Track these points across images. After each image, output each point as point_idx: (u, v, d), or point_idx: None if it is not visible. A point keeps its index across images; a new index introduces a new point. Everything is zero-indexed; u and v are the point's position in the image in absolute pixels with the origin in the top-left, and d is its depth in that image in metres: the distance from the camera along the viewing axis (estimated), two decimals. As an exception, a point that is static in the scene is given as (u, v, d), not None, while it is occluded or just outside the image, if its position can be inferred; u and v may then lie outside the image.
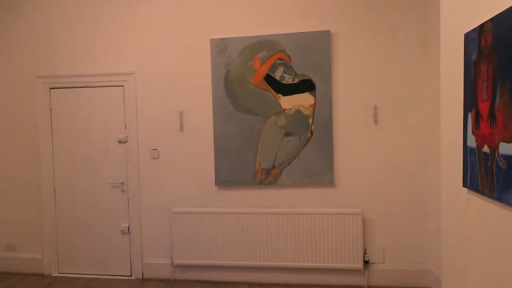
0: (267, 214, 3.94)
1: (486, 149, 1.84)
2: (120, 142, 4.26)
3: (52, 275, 4.41)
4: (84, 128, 4.32)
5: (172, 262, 4.14)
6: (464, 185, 2.11)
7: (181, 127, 4.14)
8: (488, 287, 1.87)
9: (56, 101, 4.37)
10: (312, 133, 3.90)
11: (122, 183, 4.28)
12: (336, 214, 3.84)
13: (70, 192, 4.38)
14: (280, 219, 3.92)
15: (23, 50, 4.39)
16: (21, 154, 4.46)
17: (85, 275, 4.35)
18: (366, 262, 3.87)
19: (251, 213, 3.96)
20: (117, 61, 4.23)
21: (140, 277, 4.26)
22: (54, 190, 4.41)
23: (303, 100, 3.90)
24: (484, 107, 1.86)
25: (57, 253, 4.43)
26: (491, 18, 1.78)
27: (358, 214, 3.81)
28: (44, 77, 4.36)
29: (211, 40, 4.01)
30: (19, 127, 4.45)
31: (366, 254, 3.88)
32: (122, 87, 4.24)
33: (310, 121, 3.89)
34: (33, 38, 4.36)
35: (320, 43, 3.84)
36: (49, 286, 4.11)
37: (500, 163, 1.70)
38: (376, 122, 3.86)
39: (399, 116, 3.83)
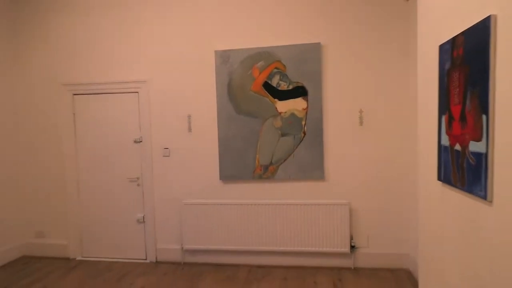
0: (266, 205, 3.92)
1: (458, 147, 1.85)
2: (135, 142, 4.23)
3: (77, 259, 4.39)
4: (103, 130, 4.29)
5: (182, 247, 4.13)
6: (439, 178, 2.12)
7: (189, 129, 4.11)
8: (459, 267, 1.87)
9: (79, 106, 4.34)
10: (305, 134, 3.87)
11: (137, 178, 4.25)
12: (326, 205, 3.83)
13: (92, 186, 4.36)
14: (277, 209, 3.90)
15: (51, 60, 4.36)
16: (48, 153, 4.43)
17: (106, 259, 4.34)
18: (352, 247, 3.86)
19: (252, 204, 3.95)
20: (132, 71, 4.19)
21: (154, 260, 4.24)
22: (78, 184, 4.38)
23: (297, 104, 3.87)
24: (456, 111, 1.86)
25: (80, 239, 4.42)
26: (462, 32, 1.77)
27: (345, 205, 3.80)
28: (68, 85, 4.33)
29: (216, 51, 3.98)
30: (46, 129, 4.42)
31: (352, 239, 3.88)
32: (137, 93, 4.20)
33: (303, 123, 3.87)
34: (59, 50, 4.33)
35: (311, 54, 3.81)
36: (73, 269, 4.09)
37: (470, 160, 1.70)
38: (361, 123, 3.83)
39: (382, 118, 3.81)
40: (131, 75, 4.20)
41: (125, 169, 4.27)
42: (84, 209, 4.39)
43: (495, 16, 1.50)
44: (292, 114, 3.88)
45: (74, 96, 4.33)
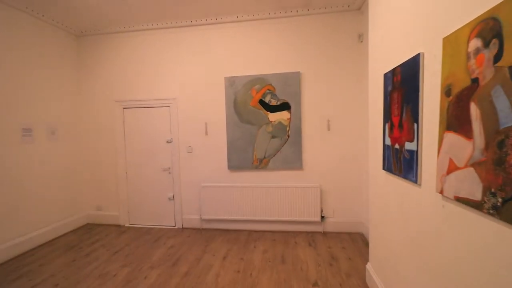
0: (260, 187, 3.92)
1: (397, 146, 1.86)
2: (167, 142, 4.22)
3: (125, 225, 4.38)
4: (145, 133, 4.28)
5: (201, 217, 4.12)
6: (383, 168, 2.14)
7: (206, 132, 4.10)
8: (397, 228, 1.89)
9: (127, 116, 4.32)
10: (289, 136, 3.87)
11: (169, 168, 4.24)
12: (303, 187, 3.83)
13: (136, 173, 4.34)
14: (268, 190, 3.90)
15: (106, 84, 4.34)
16: (105, 150, 4.41)
17: (146, 226, 4.33)
18: (322, 217, 3.87)
19: (250, 187, 3.94)
20: (165, 91, 4.18)
21: (181, 227, 4.23)
22: (126, 173, 4.36)
23: (283, 115, 3.87)
24: (395, 120, 1.87)
25: (128, 211, 4.40)
26: (400, 64, 1.79)
27: (317, 187, 3.81)
28: (119, 101, 4.31)
29: (225, 77, 3.97)
30: (104, 134, 4.40)
31: (322, 212, 3.88)
32: (168, 107, 4.19)
33: (288, 128, 3.87)
34: (113, 76, 4.32)
35: (293, 79, 3.81)
36: (123, 232, 4.07)
37: (405, 155, 1.72)
38: (328, 129, 3.83)
39: (343, 125, 3.81)
40: (164, 94, 4.18)
41: (160, 161, 4.26)
42: (130, 190, 4.37)
43: (423, 54, 1.52)
44: (280, 122, 3.88)
45: (124, 109, 4.32)
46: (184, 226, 4.23)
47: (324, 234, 3.82)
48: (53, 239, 3.85)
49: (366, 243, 3.46)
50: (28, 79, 3.59)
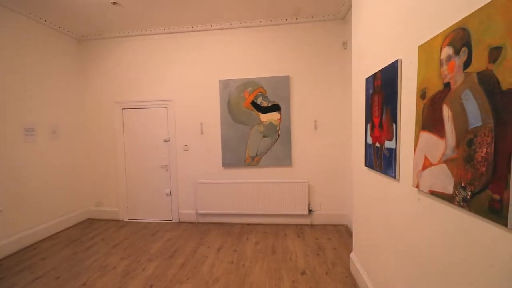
0: (252, 183, 3.92)
1: (377, 144, 1.89)
2: (165, 141, 4.18)
3: (124, 220, 4.32)
4: (143, 133, 4.22)
5: (196, 212, 4.10)
6: (365, 165, 2.17)
7: (202, 132, 4.08)
8: (378, 219, 1.91)
9: (126, 117, 4.26)
10: (279, 135, 3.89)
11: (166, 165, 4.20)
12: (292, 183, 3.85)
13: (135, 170, 4.28)
14: (260, 186, 3.91)
15: (107, 86, 4.27)
16: (105, 148, 4.34)
17: (144, 220, 4.29)
18: (310, 210, 3.90)
19: (243, 183, 3.94)
20: (163, 93, 4.13)
21: (177, 221, 4.20)
22: (125, 170, 4.30)
23: (274, 116, 3.88)
24: (376, 120, 1.90)
25: (127, 207, 4.34)
26: (380, 70, 1.82)
27: (305, 183, 3.83)
28: (119, 102, 4.24)
29: (220, 80, 3.96)
30: (104, 133, 4.33)
31: (310, 205, 3.92)
32: (166, 108, 4.15)
33: (278, 128, 3.88)
34: (113, 79, 4.25)
35: (283, 83, 3.83)
36: (122, 227, 4.02)
37: (385, 152, 1.74)
38: (315, 129, 3.87)
39: (329, 125, 3.85)
40: (162, 96, 4.13)
41: (158, 159, 4.22)
42: (129, 187, 4.31)
43: (400, 60, 1.55)
44: (271, 123, 3.89)
45: (123, 110, 4.25)
46: (180, 220, 4.20)
47: (312, 226, 3.85)
48: (54, 234, 3.77)
49: (350, 234, 3.50)
50: (31, 81, 3.50)
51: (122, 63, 4.20)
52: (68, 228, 3.99)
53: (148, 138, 4.21)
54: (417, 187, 1.34)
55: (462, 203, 1.02)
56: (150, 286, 2.46)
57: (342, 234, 3.55)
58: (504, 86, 0.82)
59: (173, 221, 4.21)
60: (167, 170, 4.20)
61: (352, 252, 2.65)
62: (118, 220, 4.31)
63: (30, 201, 3.47)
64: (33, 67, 3.54)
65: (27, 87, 3.46)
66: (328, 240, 3.36)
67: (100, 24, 3.84)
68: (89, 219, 4.41)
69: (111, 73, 4.24)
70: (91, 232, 3.84)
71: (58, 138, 3.93)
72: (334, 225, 3.86)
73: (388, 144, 1.69)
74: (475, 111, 0.94)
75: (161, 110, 4.16)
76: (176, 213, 4.20)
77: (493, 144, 0.86)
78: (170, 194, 4.21)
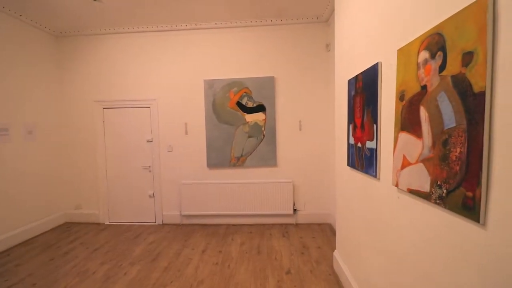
0: (238, 183, 3.91)
1: (359, 144, 1.93)
2: (148, 141, 4.08)
3: (105, 223, 4.18)
4: (125, 133, 4.10)
5: (180, 213, 4.03)
6: (348, 165, 2.21)
7: (186, 132, 4.02)
8: (359, 215, 1.96)
9: (107, 116, 4.12)
10: (264, 136, 3.90)
11: (149, 166, 4.10)
12: (278, 182, 3.87)
13: (116, 172, 4.15)
14: (245, 186, 3.90)
15: (86, 84, 4.11)
16: (85, 150, 4.18)
17: (126, 223, 4.16)
18: (295, 210, 3.94)
19: (228, 183, 3.92)
20: (146, 92, 4.04)
21: (161, 223, 4.12)
22: (106, 171, 4.16)
23: (259, 116, 3.89)
24: (358, 121, 1.94)
25: (108, 209, 4.20)
26: (361, 72, 1.86)
27: (290, 182, 3.86)
28: (99, 101, 4.10)
29: (204, 80, 3.92)
30: (84, 133, 4.16)
31: (294, 205, 3.95)
32: (149, 108, 4.06)
33: (263, 128, 3.89)
34: (93, 77, 4.09)
35: (268, 83, 3.85)
36: (103, 230, 3.89)
37: (366, 152, 1.79)
38: (300, 129, 3.91)
39: (313, 126, 3.90)
40: (145, 95, 4.03)
41: (140, 160, 4.11)
42: (111, 189, 4.17)
43: (381, 63, 1.59)
44: (256, 123, 3.89)
45: (104, 109, 4.11)
46: (164, 222, 4.11)
47: (297, 225, 3.89)
48: (30, 239, 3.58)
49: (334, 233, 3.56)
50: (4, 77, 3.31)
51: (102, 61, 4.06)
52: (44, 233, 3.80)
53: (130, 138, 4.10)
54: (397, 185, 1.38)
55: (438, 201, 1.06)
56: (132, 291, 2.39)
57: (326, 232, 3.61)
58: (476, 89, 0.86)
59: (156, 224, 4.11)
60: (150, 171, 4.10)
61: (335, 250, 2.69)
62: (98, 224, 4.16)
63: (2, 205, 3.28)
64: (6, 63, 3.35)
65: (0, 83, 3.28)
66: (313, 239, 3.40)
67: (80, 21, 3.69)
68: (67, 222, 4.22)
69: (91, 71, 4.09)
70: (70, 236, 3.68)
71: (35, 138, 3.74)
72: (319, 224, 3.91)
73: (369, 144, 1.73)
74: (449, 113, 0.98)
75: (144, 109, 4.06)
76: (160, 215, 4.11)
77: (466, 144, 0.90)
78: (154, 196, 4.11)
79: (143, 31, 3.95)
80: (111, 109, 4.10)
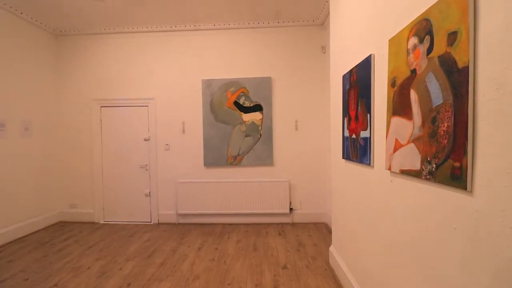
0: (234, 182, 3.93)
1: (353, 136, 1.99)
2: (145, 140, 4.09)
3: (100, 222, 4.14)
4: (122, 132, 4.12)
5: (177, 212, 4.02)
6: (343, 157, 2.26)
7: (183, 131, 4.05)
8: (353, 209, 1.99)
9: (105, 115, 4.14)
10: (261, 135, 3.94)
11: (146, 165, 4.11)
12: (274, 182, 3.90)
13: (113, 171, 4.14)
14: (242, 185, 3.92)
15: (85, 83, 4.14)
16: (81, 148, 4.17)
17: (122, 222, 4.13)
18: (291, 209, 3.95)
19: (225, 182, 3.93)
20: (144, 91, 4.08)
21: (157, 222, 4.10)
22: (102, 170, 4.15)
23: (256, 116, 3.94)
24: (352, 113, 2.01)
25: (103, 208, 4.17)
26: (355, 66, 1.93)
27: (286, 182, 3.90)
28: (97, 99, 4.12)
29: (202, 80, 3.98)
30: (80, 131, 4.17)
31: (291, 204, 3.97)
32: (147, 107, 4.09)
33: (260, 128, 3.94)
34: (91, 75, 4.13)
35: (265, 83, 3.92)
36: (98, 229, 3.85)
37: (361, 142, 1.85)
38: (296, 128, 3.97)
39: (309, 125, 3.97)
40: (143, 94, 4.07)
41: (137, 159, 4.11)
42: (106, 187, 4.15)
43: (373, 54, 1.66)
44: (253, 122, 3.94)
45: (101, 107, 4.13)
46: (160, 222, 4.09)
47: (293, 224, 3.90)
48: (22, 237, 3.54)
49: (329, 231, 3.59)
50: (2, 73, 3.33)
51: (101, 60, 4.11)
52: (38, 231, 3.75)
53: (127, 137, 4.11)
54: (389, 169, 1.43)
55: (428, 176, 1.11)
56: (127, 285, 2.37)
57: (322, 231, 3.63)
58: (460, 64, 0.92)
59: (152, 223, 4.09)
60: (146, 170, 4.10)
61: (331, 246, 2.71)
62: (93, 223, 4.13)
63: (-4, 201, 3.26)
64: (4, 60, 3.38)
65: (-2, 81, 3.30)
66: (309, 237, 3.42)
67: (80, 20, 3.76)
68: (61, 221, 4.18)
69: (89, 70, 4.13)
70: (64, 234, 3.64)
71: (31, 135, 3.74)
72: (315, 223, 3.93)
73: (364, 134, 1.79)
74: (437, 91, 1.05)
75: (141, 108, 4.09)
76: (156, 214, 4.09)
77: (452, 118, 0.96)
78: (150, 195, 4.11)
79: (142, 31, 4.02)
80: (109, 107, 4.13)
